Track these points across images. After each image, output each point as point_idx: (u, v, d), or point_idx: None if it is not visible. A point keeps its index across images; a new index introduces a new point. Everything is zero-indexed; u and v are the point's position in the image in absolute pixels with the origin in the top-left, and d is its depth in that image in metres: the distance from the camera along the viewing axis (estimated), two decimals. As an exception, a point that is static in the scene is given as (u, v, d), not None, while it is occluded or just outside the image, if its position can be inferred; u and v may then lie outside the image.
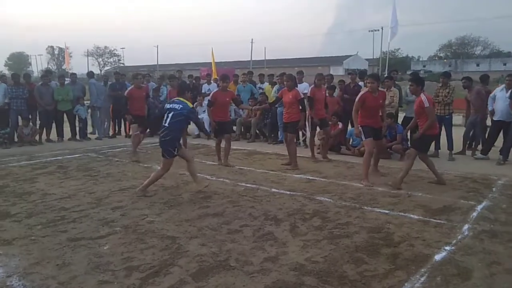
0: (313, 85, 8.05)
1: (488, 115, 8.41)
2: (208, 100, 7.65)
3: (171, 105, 5.51)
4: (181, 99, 5.57)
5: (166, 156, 5.42)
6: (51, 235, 4.04)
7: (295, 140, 7.71)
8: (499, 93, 8.01)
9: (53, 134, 10.55)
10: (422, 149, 6.13)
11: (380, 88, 6.78)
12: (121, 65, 79.04)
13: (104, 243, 3.85)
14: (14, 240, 3.91)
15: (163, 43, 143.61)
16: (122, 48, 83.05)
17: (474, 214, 4.75)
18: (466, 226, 4.32)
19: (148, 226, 4.31)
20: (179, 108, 5.40)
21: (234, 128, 11.19)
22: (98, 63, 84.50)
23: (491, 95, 8.47)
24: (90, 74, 12.72)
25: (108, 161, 7.91)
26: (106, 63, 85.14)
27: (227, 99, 7.47)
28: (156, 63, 68.98)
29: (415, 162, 6.06)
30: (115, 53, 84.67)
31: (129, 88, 8.54)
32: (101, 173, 6.87)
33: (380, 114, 6.69)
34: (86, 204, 5.07)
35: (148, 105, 10.89)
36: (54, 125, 10.55)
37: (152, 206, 4.99)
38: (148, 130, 8.62)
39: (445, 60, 70.47)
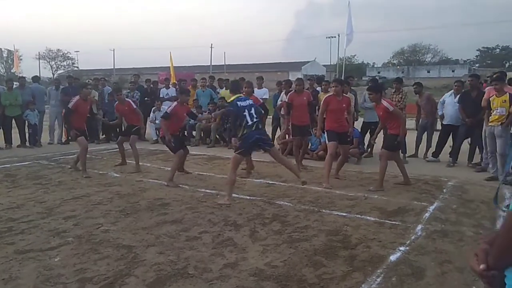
0: (292, 91, 7.99)
1: (438, 119, 8.80)
2: (166, 112, 6.81)
3: (245, 102, 5.61)
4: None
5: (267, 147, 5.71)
6: (-3, 248, 3.80)
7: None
8: (448, 98, 8.40)
9: (1, 141, 9.99)
10: (394, 148, 6.32)
11: (346, 94, 6.99)
12: (75, 68, 76.24)
13: (55, 254, 3.67)
14: (-46, 254, 3.64)
15: (120, 46, 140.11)
16: (76, 51, 79.78)
17: (427, 215, 4.94)
18: (419, 227, 4.48)
19: (103, 235, 4.15)
20: (251, 103, 5.70)
21: (194, 133, 11.09)
22: (51, 66, 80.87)
23: (440, 100, 8.88)
24: (35, 78, 12.17)
25: (60, 169, 7.58)
26: (59, 66, 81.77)
27: (184, 113, 6.98)
28: (112, 67, 67.23)
29: (370, 166, 6.23)
30: (68, 56, 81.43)
31: (75, 100, 7.18)
32: (52, 181, 6.57)
33: (348, 119, 6.87)
34: (35, 214, 4.81)
35: (103, 110, 10.61)
36: (1, 131, 10.00)
37: (107, 215, 4.82)
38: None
39: (398, 67, 73.30)
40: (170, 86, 11.98)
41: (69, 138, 11.08)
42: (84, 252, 3.71)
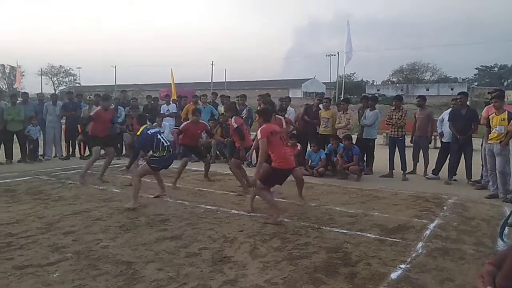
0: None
1: (438, 137, 8.84)
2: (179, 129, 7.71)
3: (154, 129, 6.35)
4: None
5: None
6: (-5, 263, 3.78)
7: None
8: (447, 116, 8.45)
9: (1, 156, 10.00)
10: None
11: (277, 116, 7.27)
12: (77, 85, 76.78)
13: (53, 270, 3.64)
14: (-48, 269, 3.62)
15: (121, 63, 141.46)
16: (79, 68, 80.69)
17: (427, 232, 4.92)
18: (420, 244, 4.46)
19: (102, 251, 4.13)
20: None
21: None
22: (53, 82, 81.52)
23: (439, 118, 8.95)
24: (40, 96, 12.28)
25: (60, 184, 7.57)
26: (61, 82, 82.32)
27: (199, 131, 7.66)
28: (114, 83, 67.65)
29: (370, 183, 6.22)
30: (70, 73, 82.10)
31: (96, 109, 8.09)
32: (52, 196, 6.56)
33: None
34: (35, 230, 4.79)
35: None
36: (2, 146, 10.02)
37: (107, 230, 4.80)
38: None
39: (397, 85, 73.76)
40: (171, 102, 12.07)
41: (69, 153, 11.15)
42: (83, 268, 3.69)
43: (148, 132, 6.16)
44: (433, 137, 10.07)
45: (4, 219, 5.19)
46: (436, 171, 8.59)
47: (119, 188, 7.15)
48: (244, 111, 9.97)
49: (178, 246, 4.29)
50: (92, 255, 4.01)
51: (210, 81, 63.76)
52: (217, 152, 10.86)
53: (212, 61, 69.89)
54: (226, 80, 67.44)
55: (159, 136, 6.14)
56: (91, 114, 8.09)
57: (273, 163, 5.30)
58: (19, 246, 4.24)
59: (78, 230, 4.81)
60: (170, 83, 19.06)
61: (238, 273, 3.63)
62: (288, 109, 9.62)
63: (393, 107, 8.94)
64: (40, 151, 10.78)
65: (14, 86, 65.35)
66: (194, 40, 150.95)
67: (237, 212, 5.68)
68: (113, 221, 5.16)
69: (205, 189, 7.25)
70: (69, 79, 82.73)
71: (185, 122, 7.79)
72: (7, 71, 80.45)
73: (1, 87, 69.41)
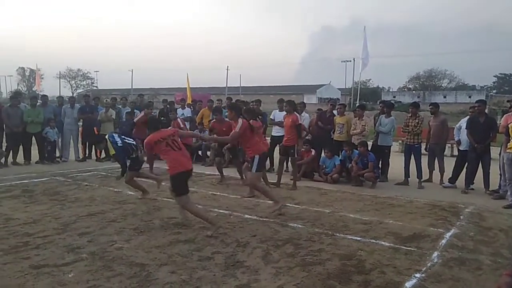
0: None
1: (455, 145, 8.71)
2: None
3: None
4: None
5: None
6: (13, 262, 3.85)
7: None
8: (464, 124, 8.33)
9: (20, 157, 10.20)
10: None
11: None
12: (94, 88, 78.03)
13: (69, 270, 3.69)
14: (-29, 267, 3.70)
15: (138, 67, 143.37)
16: (96, 71, 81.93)
17: (443, 241, 4.84)
18: (435, 254, 4.39)
19: (116, 252, 4.17)
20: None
21: (208, 153, 11.16)
22: (71, 85, 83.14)
23: (456, 125, 8.82)
24: (60, 99, 12.50)
25: (76, 185, 7.68)
26: (79, 85, 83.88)
27: (224, 129, 7.57)
28: (130, 87, 68.51)
29: (385, 190, 6.15)
30: (88, 76, 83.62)
31: (140, 116, 9.27)
32: (68, 197, 6.65)
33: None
34: (51, 230, 4.87)
35: (121, 129, 10.79)
36: (21, 147, 10.22)
37: (121, 232, 4.85)
38: None
39: (413, 92, 73.05)
40: (186, 106, 12.17)
41: (86, 155, 11.31)
42: (97, 269, 3.73)
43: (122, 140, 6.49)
44: (449, 145, 9.93)
45: (22, 219, 5.28)
46: (453, 179, 8.46)
47: (134, 191, 7.21)
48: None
49: (191, 250, 4.30)
50: (106, 256, 4.05)
51: (225, 86, 64.12)
52: (231, 157, 10.88)
53: (227, 66, 70.25)
54: (241, 85, 67.69)
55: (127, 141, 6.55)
56: (135, 120, 9.30)
57: None
58: (35, 245, 4.31)
59: (93, 231, 4.87)
60: (185, 87, 19.21)
61: (250, 278, 3.63)
62: (302, 114, 9.60)
63: (410, 114, 8.85)
64: (58, 153, 10.96)
65: (33, 89, 66.76)
66: (210, 45, 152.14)
67: (250, 217, 5.68)
68: (128, 223, 5.21)
69: (218, 193, 7.26)
70: (87, 82, 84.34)
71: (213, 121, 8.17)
72: (27, 74, 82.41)
73: (21, 89, 70.84)
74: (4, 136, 9.98)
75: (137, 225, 5.16)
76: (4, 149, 9.93)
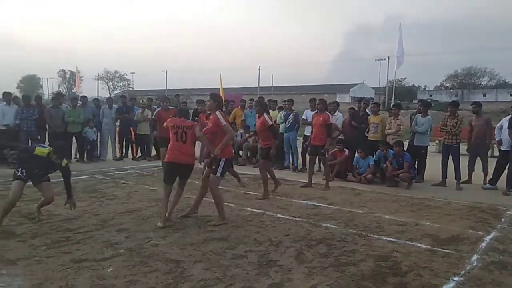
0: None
1: (496, 145, 8.38)
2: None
3: None
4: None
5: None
6: (55, 256, 4.03)
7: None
8: (506, 123, 8.00)
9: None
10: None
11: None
12: (130, 89, 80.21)
13: (107, 265, 3.83)
14: (18, 260, 3.89)
15: (172, 68, 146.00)
16: (132, 73, 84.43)
17: (483, 244, 4.68)
18: (474, 257, 4.25)
19: (153, 249, 4.28)
20: None
21: (241, 152, 11.25)
22: (108, 87, 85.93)
23: (497, 125, 8.48)
24: (96, 101, 12.93)
25: (114, 183, 7.93)
26: (116, 87, 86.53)
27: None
28: (165, 88, 69.91)
29: (421, 191, 6.00)
30: (125, 78, 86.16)
31: (157, 110, 9.18)
32: (107, 195, 6.88)
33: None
34: (91, 226, 5.06)
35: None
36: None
37: (157, 229, 4.97)
38: None
39: (451, 90, 70.72)
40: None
41: (123, 154, 11.64)
42: (135, 264, 3.84)
43: None
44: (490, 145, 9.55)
45: (63, 215, 5.51)
46: (493, 181, 8.13)
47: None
48: (291, 115, 9.96)
49: (225, 248, 4.36)
50: (143, 252, 4.17)
51: (257, 85, 64.28)
52: (248, 155, 10.97)
53: (259, 66, 70.47)
54: (273, 85, 67.66)
55: None
56: (153, 116, 9.03)
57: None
58: (76, 241, 4.49)
59: (130, 228, 5.01)
60: (218, 88, 19.40)
61: (283, 277, 3.63)
62: (335, 114, 9.51)
63: (448, 113, 8.58)
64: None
65: (73, 90, 69.32)
66: (243, 45, 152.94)
67: (283, 216, 5.69)
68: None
69: (250, 192, 7.31)
70: (123, 83, 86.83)
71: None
72: (67, 75, 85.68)
73: (62, 91, 73.72)
74: (47, 136, 10.44)
75: (172, 222, 5.27)
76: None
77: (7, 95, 10.30)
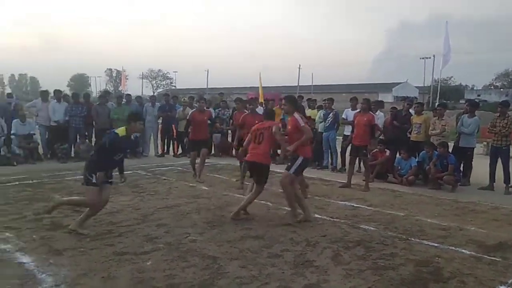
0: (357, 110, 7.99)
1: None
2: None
3: None
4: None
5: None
6: (99, 248, 4.20)
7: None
8: None
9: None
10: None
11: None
12: (173, 87, 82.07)
13: (147, 258, 3.94)
14: (64, 250, 4.09)
15: (213, 67, 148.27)
16: (175, 72, 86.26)
17: (533, 253, 4.42)
18: (524, 266, 4.03)
19: (190, 244, 4.37)
20: None
21: (279, 151, 11.22)
22: (152, 85, 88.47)
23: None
24: (138, 99, 13.27)
25: (155, 179, 8.15)
26: (159, 85, 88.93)
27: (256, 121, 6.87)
28: (206, 86, 71.00)
29: (466, 195, 5.74)
30: (167, 76, 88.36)
31: (192, 111, 8.22)
32: (148, 190, 7.08)
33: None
34: (132, 220, 5.23)
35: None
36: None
37: (195, 225, 5.06)
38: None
39: (501, 90, 67.17)
40: (258, 105, 12.32)
41: (164, 151, 11.93)
42: (173, 259, 3.94)
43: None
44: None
45: (107, 209, 5.67)
46: (546, 185, 7.67)
47: (208, 186, 7.48)
48: (331, 114, 9.84)
49: (261, 246, 4.37)
50: (181, 247, 4.26)
51: (297, 84, 63.91)
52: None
53: (299, 65, 70.03)
54: (313, 84, 67.02)
55: None
56: (188, 117, 8.05)
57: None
58: (118, 234, 4.65)
59: (169, 223, 5.14)
60: (258, 87, 19.49)
61: (320, 278, 3.60)
62: (377, 113, 9.29)
63: (498, 114, 8.16)
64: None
65: (119, 89, 71.81)
66: (282, 44, 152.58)
67: (320, 216, 5.63)
68: (201, 217, 5.43)
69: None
70: (166, 82, 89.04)
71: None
72: (114, 74, 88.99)
73: (109, 89, 76.58)
74: (94, 131, 10.89)
75: (210, 219, 5.35)
76: (93, 144, 10.82)
77: (57, 93, 10.84)
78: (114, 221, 5.13)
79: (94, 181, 4.58)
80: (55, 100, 10.61)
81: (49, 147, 10.48)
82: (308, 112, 10.55)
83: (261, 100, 14.60)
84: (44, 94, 11.02)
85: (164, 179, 8.18)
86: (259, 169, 5.41)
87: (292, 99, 5.76)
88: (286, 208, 6.01)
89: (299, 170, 5.42)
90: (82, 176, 4.77)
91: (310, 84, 66.86)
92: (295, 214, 5.34)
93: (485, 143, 12.49)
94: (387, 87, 65.09)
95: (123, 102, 11.28)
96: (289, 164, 5.38)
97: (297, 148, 5.26)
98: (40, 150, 10.45)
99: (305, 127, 5.33)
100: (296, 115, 5.43)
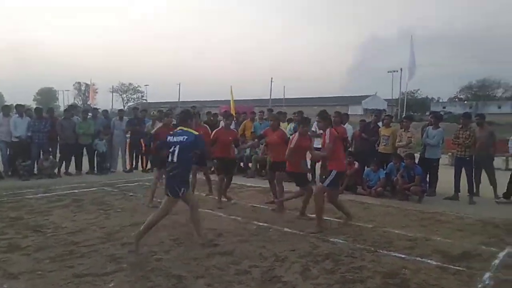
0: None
1: (510, 158, 8.19)
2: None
3: (175, 138, 4.80)
4: (184, 128, 4.91)
5: (169, 195, 4.73)
6: (58, 270, 4.00)
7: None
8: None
9: (72, 167, 10.70)
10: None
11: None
12: (144, 101, 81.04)
13: (109, 280, 3.78)
14: (20, 274, 3.88)
15: (185, 81, 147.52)
16: (146, 85, 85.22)
17: (496, 261, 4.52)
18: (487, 275, 4.10)
19: (156, 263, 4.23)
20: (184, 140, 4.75)
21: (250, 165, 11.18)
22: (122, 99, 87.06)
23: (511, 138, 8.29)
24: (105, 113, 13.01)
25: (122, 195, 7.93)
26: (130, 99, 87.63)
27: (230, 138, 7.15)
28: (177, 100, 70.46)
29: (432, 205, 5.86)
30: (138, 90, 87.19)
31: (158, 126, 7.42)
32: (114, 207, 6.87)
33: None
34: (96, 239, 5.03)
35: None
36: (73, 158, 10.73)
37: (162, 243, 4.92)
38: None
39: (465, 102, 69.78)
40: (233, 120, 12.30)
41: (133, 166, 11.68)
42: (136, 280, 3.80)
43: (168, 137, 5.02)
44: (504, 158, 9.35)
45: (70, 228, 5.51)
46: (507, 194, 7.92)
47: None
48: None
49: (228, 262, 4.28)
50: (146, 267, 4.12)
51: (269, 97, 64.36)
52: (257, 166, 10.90)
53: (271, 78, 70.62)
54: (285, 97, 67.69)
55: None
56: (152, 131, 7.48)
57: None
58: (80, 254, 4.46)
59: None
60: (230, 100, 19.48)
61: (287, 294, 3.54)
62: (345, 125, 9.42)
63: (460, 126, 8.42)
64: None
65: (88, 103, 70.36)
66: (254, 57, 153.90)
67: (290, 230, 5.59)
68: (168, 234, 5.29)
69: (258, 205, 7.23)
70: (137, 96, 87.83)
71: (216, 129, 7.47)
72: (82, 88, 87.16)
73: (77, 103, 74.92)
74: (58, 147, 10.55)
75: (177, 236, 5.22)
76: (57, 159, 10.47)
77: (19, 108, 10.47)
78: (76, 241, 4.93)
79: (180, 194, 4.69)
80: (17, 115, 10.23)
81: (10, 164, 10.07)
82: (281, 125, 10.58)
83: (232, 113, 14.58)
84: (6, 109, 10.61)
85: (131, 195, 7.97)
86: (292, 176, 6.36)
87: (325, 115, 5.95)
88: (256, 222, 5.96)
89: (332, 184, 5.71)
90: (168, 187, 4.75)
91: (282, 97, 67.50)
92: (321, 226, 5.63)
93: (450, 154, 12.85)
94: (357, 100, 66.48)
95: (88, 117, 11.00)
96: (324, 177, 5.87)
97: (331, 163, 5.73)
98: (0, 167, 10.04)
99: (328, 144, 5.65)
100: (328, 131, 5.68)
